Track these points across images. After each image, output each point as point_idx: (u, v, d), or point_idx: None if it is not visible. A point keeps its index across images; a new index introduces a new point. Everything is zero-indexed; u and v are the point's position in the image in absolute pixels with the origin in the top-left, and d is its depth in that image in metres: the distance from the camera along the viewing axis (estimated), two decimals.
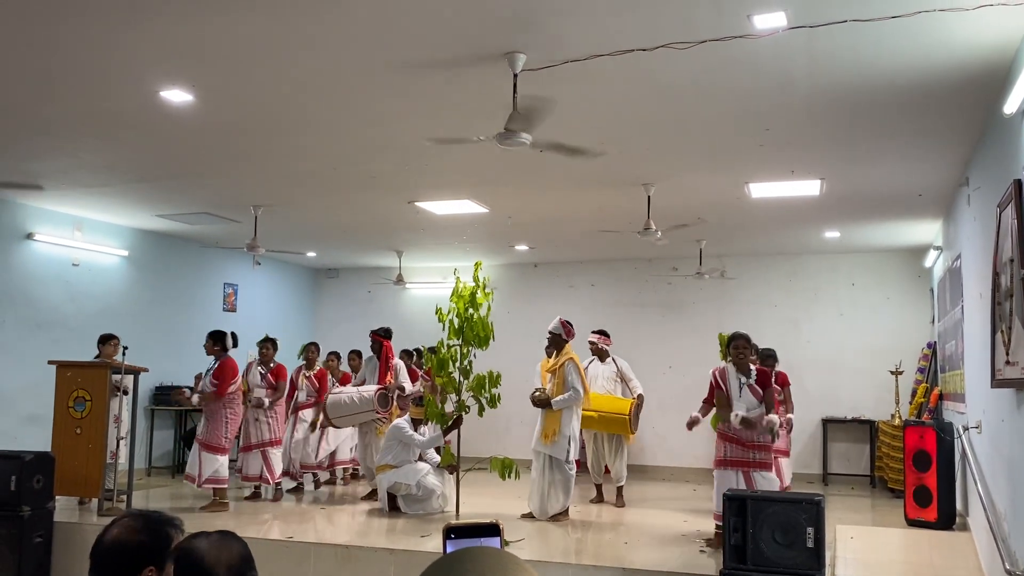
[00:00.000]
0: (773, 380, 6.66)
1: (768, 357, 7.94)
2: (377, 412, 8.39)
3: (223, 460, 7.93)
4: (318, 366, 9.50)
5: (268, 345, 8.71)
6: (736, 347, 6.46)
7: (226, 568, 2.20)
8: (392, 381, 8.59)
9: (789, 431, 8.17)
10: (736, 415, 6.25)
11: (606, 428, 8.44)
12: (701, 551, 6.22)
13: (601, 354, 8.72)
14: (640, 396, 8.49)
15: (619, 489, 8.54)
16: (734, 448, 6.32)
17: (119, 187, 8.30)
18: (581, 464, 11.18)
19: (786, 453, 8.22)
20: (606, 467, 8.72)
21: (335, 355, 10.22)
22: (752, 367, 6.49)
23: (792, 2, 4.04)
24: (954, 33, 4.35)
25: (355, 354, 10.12)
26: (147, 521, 2.31)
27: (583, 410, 8.12)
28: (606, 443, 8.58)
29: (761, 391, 6.36)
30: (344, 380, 9.78)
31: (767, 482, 6.14)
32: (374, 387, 8.50)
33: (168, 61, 4.96)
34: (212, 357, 8.06)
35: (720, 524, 6.20)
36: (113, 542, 2.25)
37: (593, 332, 8.85)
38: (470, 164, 7.11)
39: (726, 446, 6.36)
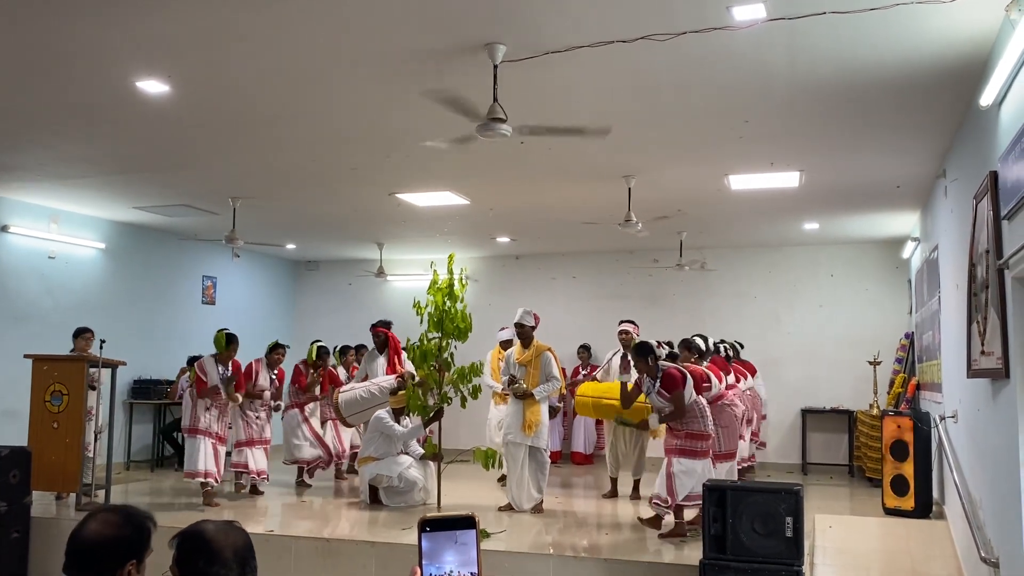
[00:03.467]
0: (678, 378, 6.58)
1: (692, 350, 7.90)
2: None
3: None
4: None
5: (281, 351, 8.85)
6: (634, 360, 6.65)
7: (232, 550, 2.24)
8: (402, 368, 8.57)
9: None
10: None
11: (627, 417, 8.30)
12: (682, 540, 6.25)
13: (626, 345, 8.49)
14: None
15: (636, 483, 8.45)
16: (666, 436, 6.64)
17: (96, 179, 8.20)
18: (562, 455, 11.38)
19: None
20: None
21: (352, 349, 10.36)
22: (659, 373, 6.49)
23: None
24: (931, 26, 4.37)
25: (363, 348, 10.16)
26: (127, 515, 2.29)
27: (604, 400, 8.10)
28: (629, 435, 8.42)
29: (668, 392, 6.42)
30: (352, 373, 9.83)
31: (680, 467, 6.29)
32: (390, 377, 8.47)
33: (144, 51, 4.89)
34: (211, 359, 8.11)
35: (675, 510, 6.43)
36: (95, 536, 2.22)
37: (625, 322, 8.69)
38: (451, 156, 7.07)
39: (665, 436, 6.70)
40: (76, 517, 7.09)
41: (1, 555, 6.44)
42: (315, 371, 9.26)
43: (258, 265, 13.20)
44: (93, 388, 7.88)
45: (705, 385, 7.09)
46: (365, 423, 8.55)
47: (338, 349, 10.32)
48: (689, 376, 6.56)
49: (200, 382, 7.95)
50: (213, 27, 4.53)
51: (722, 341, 9.19)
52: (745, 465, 8.91)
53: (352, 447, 9.56)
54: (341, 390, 8.68)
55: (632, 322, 8.74)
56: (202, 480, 7.75)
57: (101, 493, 7.68)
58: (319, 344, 9.47)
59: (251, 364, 8.58)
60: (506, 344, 8.94)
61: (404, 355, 8.74)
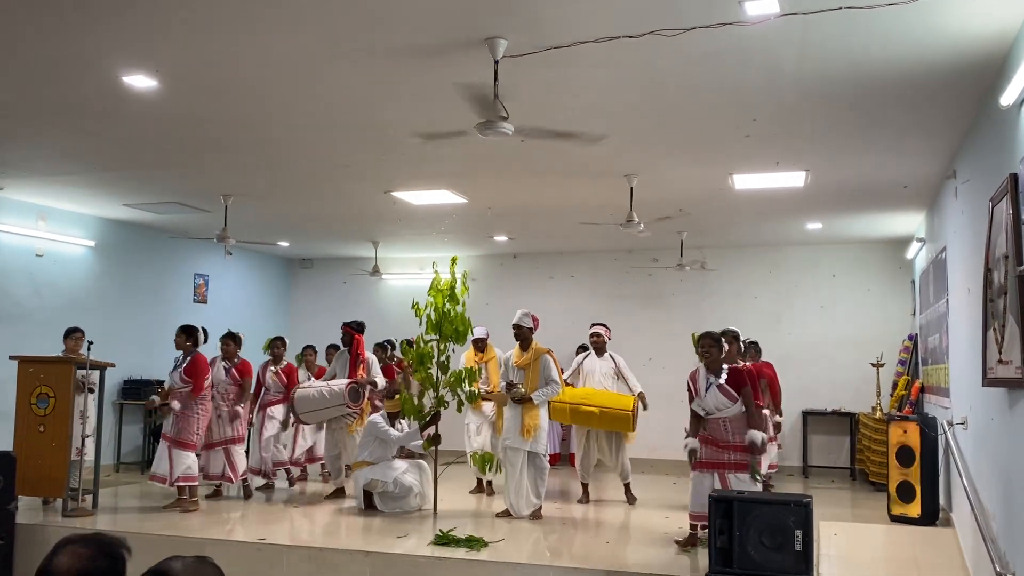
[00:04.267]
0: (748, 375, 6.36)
1: (749, 347, 7.73)
2: (348, 406, 8.09)
3: (194, 457, 7.69)
4: (286, 360, 9.16)
5: (230, 341, 8.34)
6: (703, 346, 6.20)
7: None
8: (364, 375, 8.30)
9: (776, 432, 8.07)
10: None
11: (607, 425, 7.99)
12: (685, 550, 6.09)
13: (600, 348, 8.35)
14: (641, 394, 8.08)
15: (627, 486, 8.23)
16: (709, 449, 6.12)
17: (84, 176, 8.01)
18: (560, 457, 11.22)
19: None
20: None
21: (311, 349, 9.98)
22: (724, 366, 6.16)
23: None
24: (948, 22, 4.21)
25: (334, 348, 9.93)
26: (99, 545, 2.11)
27: (583, 406, 7.85)
28: (604, 442, 8.18)
29: (734, 391, 6.04)
30: (319, 374, 9.56)
31: (743, 484, 5.90)
32: (344, 381, 8.20)
33: (130, 45, 4.70)
34: (181, 352, 7.78)
35: (694, 524, 6.15)
36: (66, 572, 2.05)
37: (597, 324, 8.42)
38: (448, 154, 6.90)
39: (702, 448, 6.15)
40: (63, 523, 6.96)
41: None
42: (275, 366, 8.96)
43: (251, 263, 13.01)
44: (92, 391, 7.69)
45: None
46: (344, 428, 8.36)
47: (302, 349, 10.10)
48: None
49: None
50: (202, 20, 4.34)
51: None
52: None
53: (297, 460, 9.16)
54: (299, 386, 8.44)
55: (604, 325, 8.48)
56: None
57: (89, 498, 7.50)
58: (273, 337, 9.19)
59: (214, 359, 8.25)
60: (478, 343, 8.60)
61: (370, 361, 8.47)
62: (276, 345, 9.11)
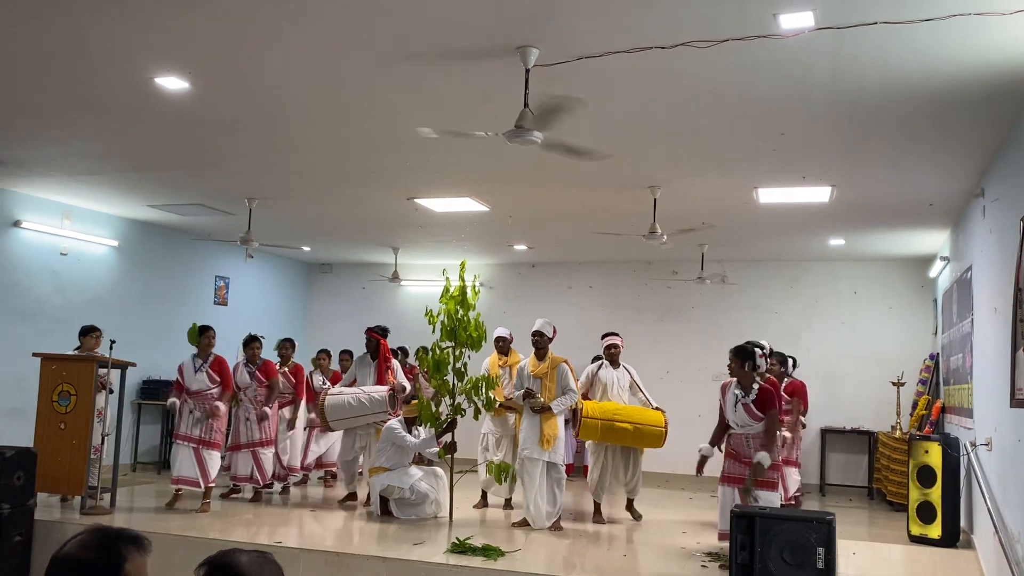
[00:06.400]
0: (779, 392, 6.36)
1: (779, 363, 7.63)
2: (389, 414, 7.95)
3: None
4: (293, 362, 9.05)
5: (255, 344, 8.42)
6: (730, 361, 6.16)
7: None
8: (394, 380, 8.25)
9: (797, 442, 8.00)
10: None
11: (640, 443, 7.67)
12: (703, 566, 6.04)
13: (615, 359, 7.96)
14: (659, 408, 7.78)
15: (631, 502, 7.97)
16: (733, 464, 6.07)
17: (110, 175, 8.08)
18: (575, 468, 11.15)
19: (795, 463, 7.99)
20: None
21: (326, 353, 9.98)
22: (755, 384, 6.03)
23: (821, 1, 3.85)
24: (985, 39, 4.18)
25: (346, 354, 9.91)
26: (101, 538, 2.11)
27: (617, 423, 7.50)
28: (621, 457, 7.84)
29: (760, 411, 5.95)
30: (334, 379, 9.55)
31: (765, 501, 5.78)
32: (382, 388, 8.09)
33: (164, 47, 4.74)
34: (201, 356, 7.85)
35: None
36: (64, 558, 2.07)
37: (611, 334, 7.99)
38: (473, 161, 6.92)
39: (727, 462, 6.12)
40: (81, 520, 6.98)
41: (2, 558, 6.28)
42: (284, 367, 8.82)
43: (271, 266, 13.07)
44: (112, 391, 7.73)
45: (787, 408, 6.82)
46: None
47: (316, 353, 10.04)
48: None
49: (176, 385, 7.85)
50: (235, 25, 4.37)
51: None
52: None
53: (290, 467, 8.95)
54: (330, 392, 8.28)
55: (617, 334, 8.04)
56: (175, 488, 7.69)
57: (107, 496, 7.53)
58: (282, 339, 9.11)
59: (237, 364, 8.31)
60: (500, 344, 8.21)
61: (395, 365, 8.42)
62: (284, 346, 9.06)
